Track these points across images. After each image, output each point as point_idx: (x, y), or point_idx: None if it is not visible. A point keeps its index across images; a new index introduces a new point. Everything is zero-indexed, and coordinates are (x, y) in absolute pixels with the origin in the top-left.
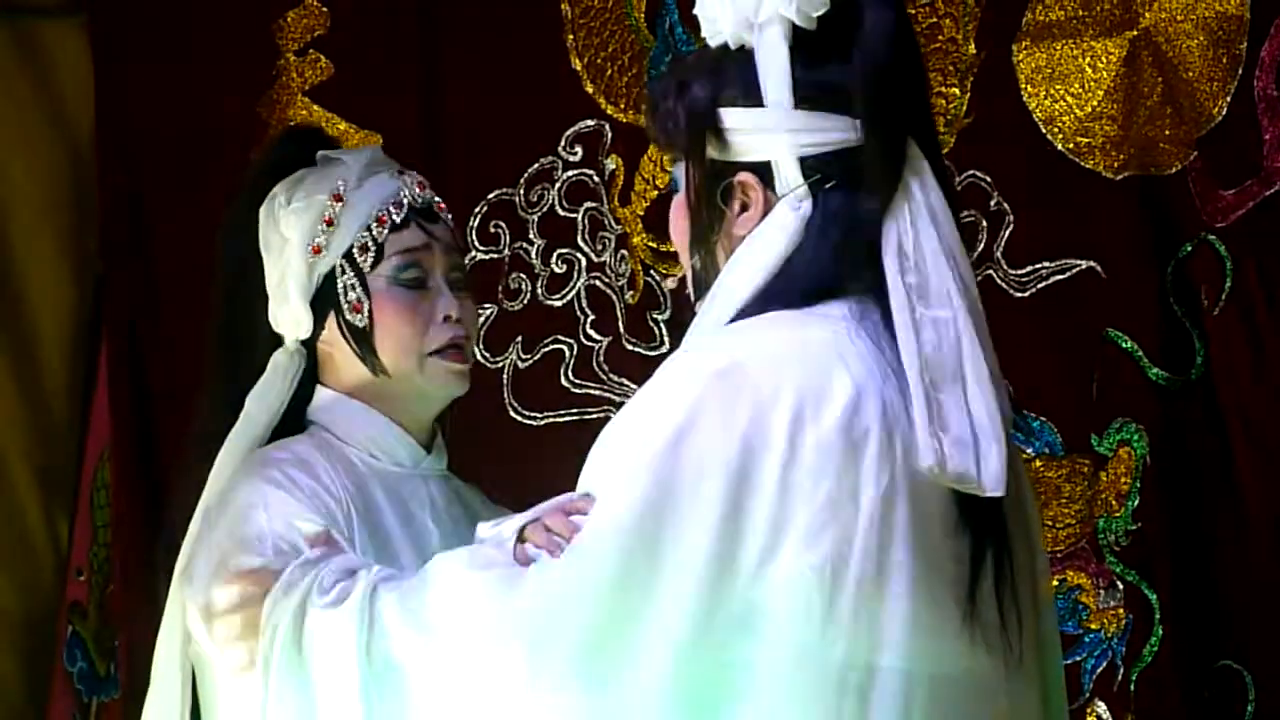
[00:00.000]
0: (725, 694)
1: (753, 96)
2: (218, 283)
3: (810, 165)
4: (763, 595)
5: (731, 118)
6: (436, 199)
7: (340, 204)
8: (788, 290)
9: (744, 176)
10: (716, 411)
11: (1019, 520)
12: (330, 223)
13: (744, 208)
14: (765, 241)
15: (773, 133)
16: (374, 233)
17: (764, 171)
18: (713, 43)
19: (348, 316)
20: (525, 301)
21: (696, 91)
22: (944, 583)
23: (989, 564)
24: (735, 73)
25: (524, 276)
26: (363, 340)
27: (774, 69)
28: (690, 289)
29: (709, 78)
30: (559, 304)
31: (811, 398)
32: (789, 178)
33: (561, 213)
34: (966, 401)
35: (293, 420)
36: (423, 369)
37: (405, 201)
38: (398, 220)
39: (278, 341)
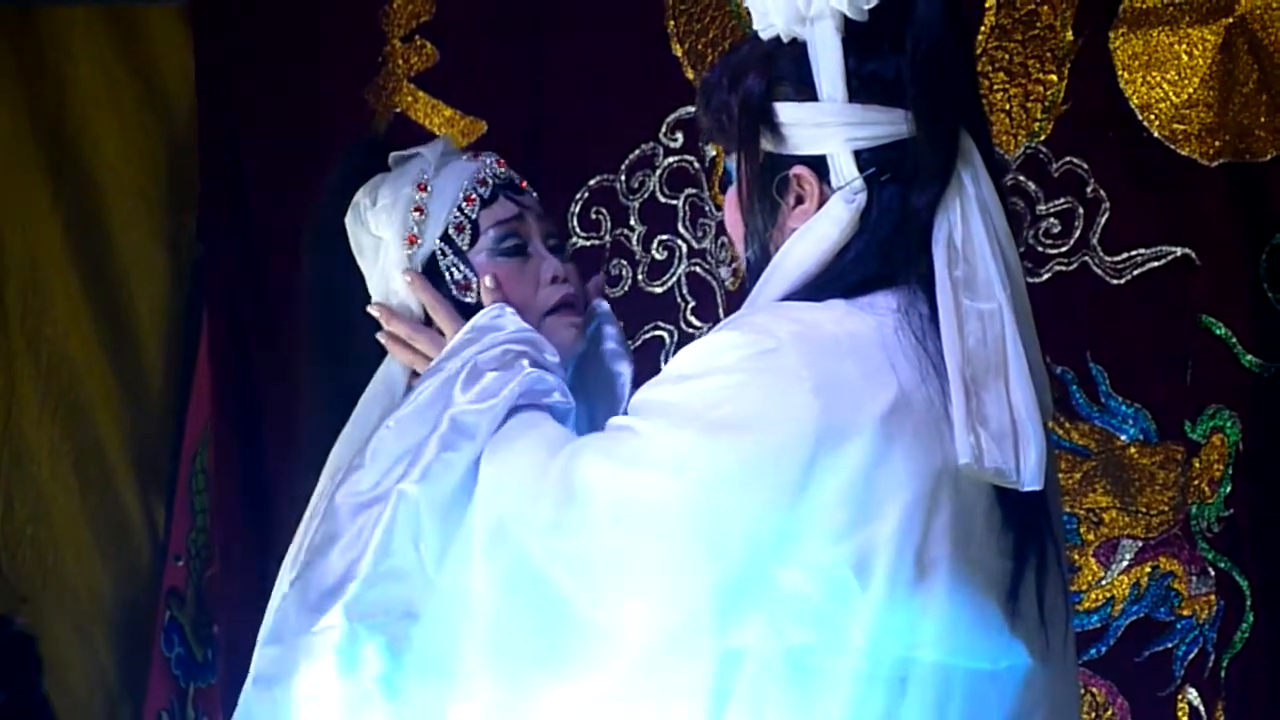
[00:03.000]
0: (754, 679)
1: (806, 90)
2: (309, 300)
3: (865, 158)
4: (790, 584)
5: (786, 112)
6: (517, 176)
7: (425, 193)
8: (839, 280)
9: (799, 170)
10: (753, 395)
11: (1058, 518)
12: (420, 210)
13: (799, 200)
14: (819, 234)
15: (828, 127)
16: (466, 211)
17: (818, 164)
18: (764, 35)
19: (457, 296)
20: (626, 288)
21: (750, 85)
22: (987, 580)
23: (1032, 558)
24: (788, 66)
25: (625, 263)
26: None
27: (828, 63)
28: (746, 279)
29: (762, 71)
30: (660, 290)
31: (851, 392)
32: (844, 171)
33: (662, 199)
34: (1008, 394)
35: None
36: (541, 329)
37: (488, 178)
38: (485, 196)
39: (383, 350)
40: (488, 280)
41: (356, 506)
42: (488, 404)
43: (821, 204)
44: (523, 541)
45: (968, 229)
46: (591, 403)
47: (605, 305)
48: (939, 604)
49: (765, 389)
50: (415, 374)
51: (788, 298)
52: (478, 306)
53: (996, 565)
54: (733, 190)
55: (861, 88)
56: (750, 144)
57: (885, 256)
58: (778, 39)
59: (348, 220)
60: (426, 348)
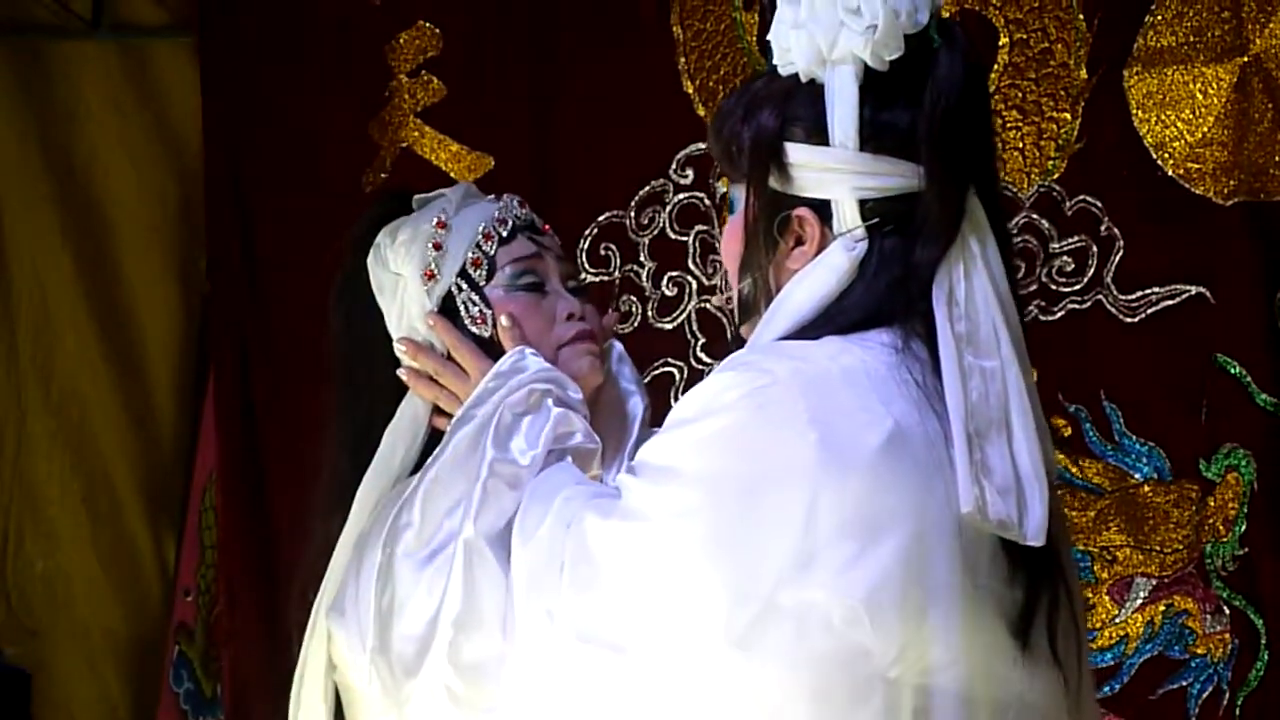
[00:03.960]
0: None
1: (819, 133)
2: (333, 338)
3: (869, 208)
4: (795, 619)
5: (796, 153)
6: (538, 218)
7: (445, 229)
8: (835, 320)
9: (802, 211)
10: (748, 433)
11: (1068, 556)
12: (439, 247)
13: (799, 242)
14: (816, 280)
15: (836, 172)
16: (484, 248)
17: (822, 208)
18: (783, 71)
19: (472, 330)
20: (636, 324)
21: (764, 120)
22: (996, 609)
23: (1044, 597)
24: (804, 106)
25: (634, 299)
26: (490, 353)
27: (843, 109)
28: (736, 312)
29: (778, 108)
30: (670, 327)
31: (848, 423)
32: (848, 219)
33: (673, 235)
34: (1011, 450)
35: (429, 454)
36: (558, 362)
37: (509, 218)
38: (504, 235)
39: (404, 386)
40: (504, 319)
41: (418, 564)
42: (528, 455)
43: (821, 248)
44: (562, 629)
45: (970, 286)
46: (607, 443)
47: (620, 346)
48: (952, 630)
49: (764, 423)
50: (438, 410)
51: (784, 339)
52: (493, 341)
53: (1006, 595)
54: (733, 220)
55: (874, 137)
56: (757, 179)
57: (882, 303)
58: (797, 77)
59: (369, 259)
60: (452, 383)
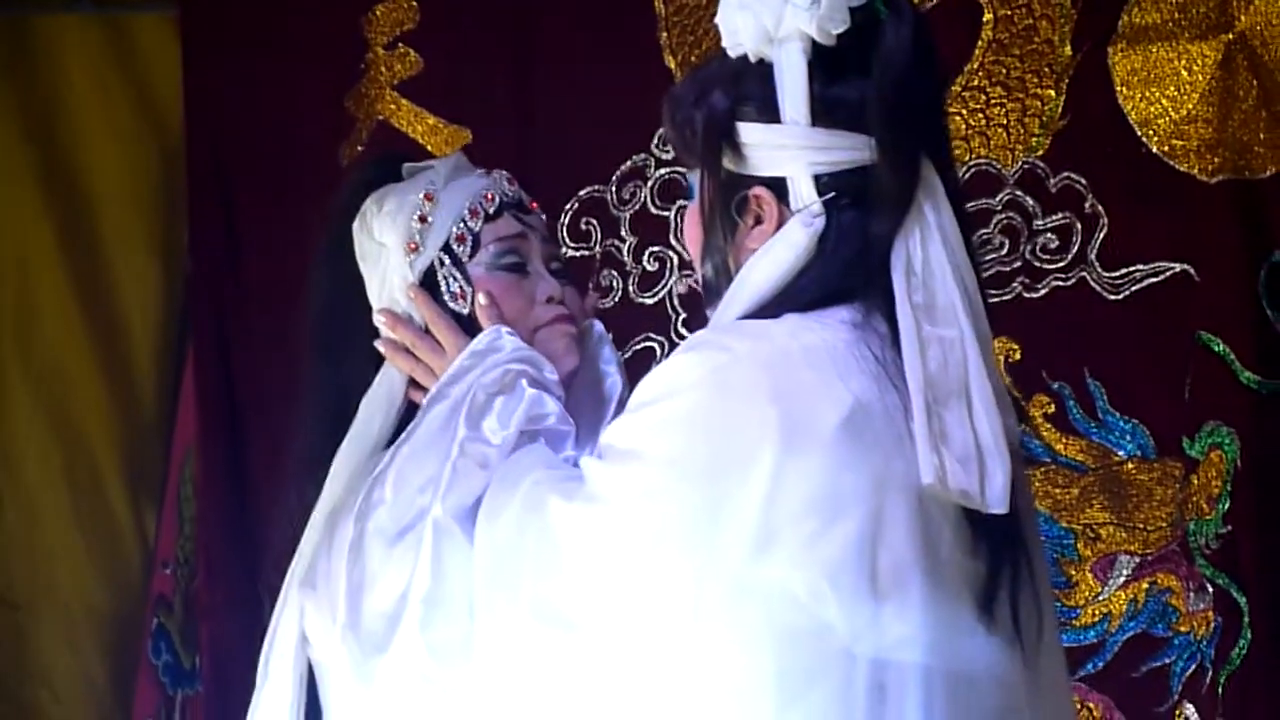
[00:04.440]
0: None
1: (770, 112)
2: (313, 303)
3: (825, 182)
4: (760, 596)
5: (748, 132)
6: (526, 196)
7: (431, 202)
8: (795, 298)
9: (758, 190)
10: (709, 412)
11: (1032, 528)
12: (424, 219)
13: (758, 221)
14: (775, 257)
15: (789, 149)
16: (469, 224)
17: (779, 186)
18: (733, 53)
19: (451, 306)
20: (617, 299)
21: (715, 103)
22: (960, 581)
23: (1006, 568)
24: (754, 86)
25: (615, 274)
26: (467, 329)
27: (792, 86)
28: (703, 294)
29: (728, 89)
30: (651, 302)
31: (808, 400)
32: (803, 195)
33: (654, 210)
34: (971, 419)
35: (405, 425)
36: (533, 344)
37: (497, 195)
38: (490, 211)
39: (381, 357)
40: (481, 297)
41: (389, 541)
42: (499, 435)
43: (780, 225)
44: (523, 610)
45: (927, 256)
46: (583, 423)
47: (600, 326)
48: (913, 605)
49: (724, 402)
50: (414, 383)
51: (745, 317)
52: (471, 318)
53: (969, 567)
54: (693, 205)
55: (825, 112)
56: (712, 162)
57: (844, 277)
58: (746, 58)
59: (354, 225)
60: (428, 357)
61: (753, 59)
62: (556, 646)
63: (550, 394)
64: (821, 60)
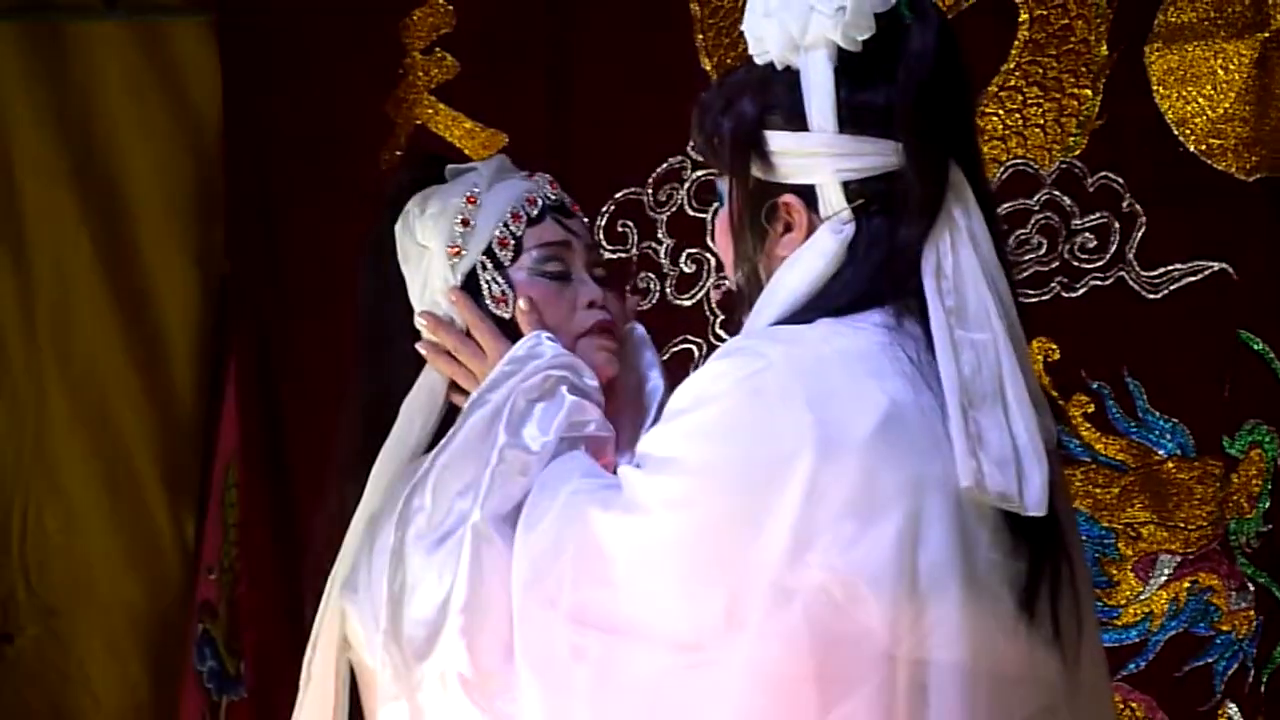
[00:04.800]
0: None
1: (798, 120)
2: (359, 306)
3: (853, 189)
4: (799, 601)
5: (776, 140)
6: (569, 199)
7: (474, 205)
8: (827, 303)
9: (788, 198)
10: (745, 419)
11: (1071, 529)
12: (466, 223)
13: (787, 228)
14: (806, 265)
15: (817, 157)
16: (511, 228)
17: (808, 194)
18: (759, 61)
19: (493, 310)
20: (654, 301)
21: (743, 110)
22: (1000, 581)
23: (1046, 568)
24: (781, 94)
25: (652, 276)
26: (509, 334)
27: (819, 93)
28: (735, 302)
29: (755, 98)
30: (688, 304)
31: (843, 405)
32: (832, 202)
33: (690, 212)
34: (1008, 422)
35: (447, 427)
36: (575, 350)
37: (539, 199)
38: (533, 215)
39: (420, 357)
40: (522, 302)
41: (429, 547)
42: (539, 442)
43: (810, 233)
44: (563, 618)
45: (957, 259)
46: (624, 428)
47: (640, 329)
48: (952, 606)
49: (759, 409)
50: (455, 386)
51: (778, 324)
52: (512, 322)
53: (1010, 567)
54: (723, 213)
55: (852, 118)
56: (740, 170)
57: (875, 282)
58: (772, 66)
59: (397, 227)
60: (469, 361)
61: (779, 66)
62: (595, 653)
63: (591, 400)
64: (847, 66)
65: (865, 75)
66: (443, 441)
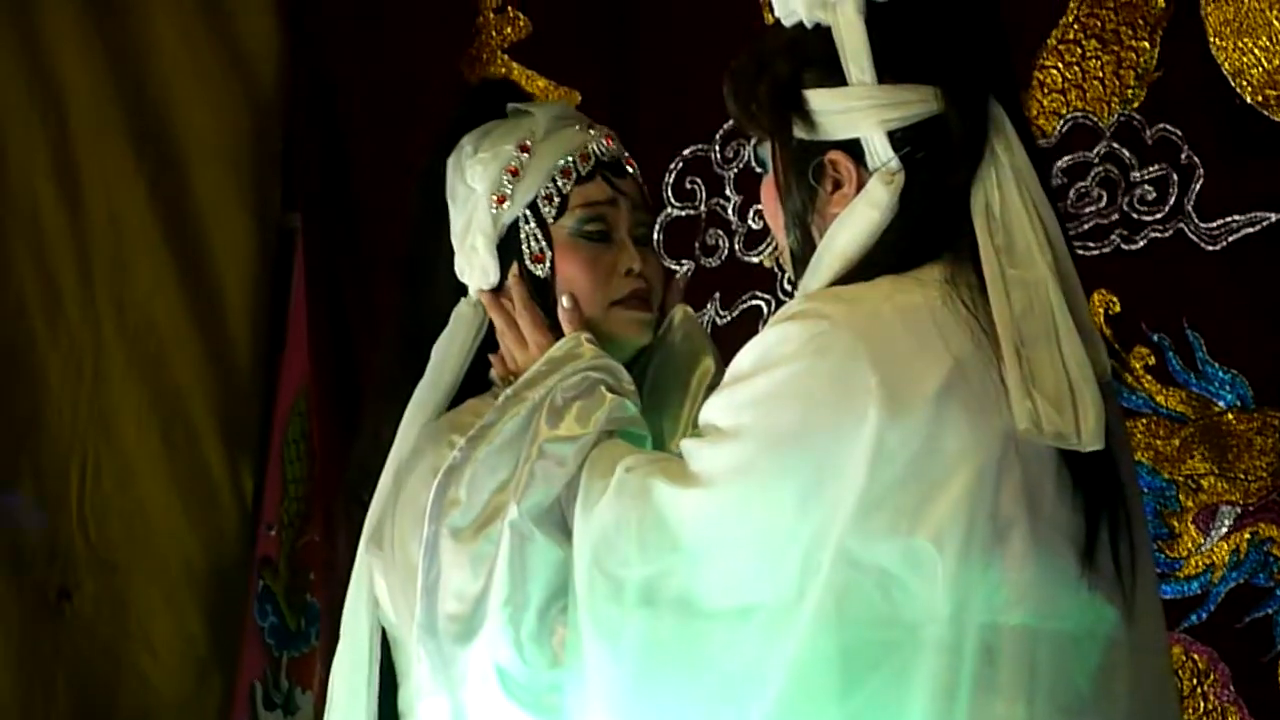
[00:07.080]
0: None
1: (835, 75)
2: (408, 233)
3: (899, 138)
4: (869, 564)
5: (816, 98)
6: (625, 154)
7: (526, 154)
8: (884, 258)
9: (834, 155)
10: (809, 382)
11: (1129, 472)
12: (515, 173)
13: (836, 185)
14: (860, 218)
15: (858, 110)
16: (559, 184)
17: (853, 148)
18: (787, 22)
19: (529, 266)
20: (723, 258)
21: (778, 72)
22: (1063, 538)
23: (1105, 516)
24: (816, 51)
25: (721, 233)
26: (544, 291)
27: (854, 46)
28: (789, 268)
29: (789, 59)
30: (756, 260)
31: (907, 364)
32: (880, 153)
33: (758, 168)
34: (1062, 357)
35: (476, 382)
36: (606, 318)
37: (593, 154)
38: (583, 172)
39: (462, 292)
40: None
41: (465, 542)
42: (578, 436)
43: (860, 187)
44: (631, 596)
45: (1004, 197)
46: (666, 416)
47: (686, 311)
48: (1018, 565)
49: (823, 371)
50: (494, 357)
51: (836, 283)
52: (547, 282)
53: (1072, 522)
54: (768, 178)
55: (888, 67)
56: (782, 133)
57: (927, 232)
58: (802, 25)
59: (449, 161)
60: (512, 346)
61: (808, 25)
62: (667, 626)
63: (629, 400)
64: (878, 16)
65: (897, 23)
66: (475, 429)
